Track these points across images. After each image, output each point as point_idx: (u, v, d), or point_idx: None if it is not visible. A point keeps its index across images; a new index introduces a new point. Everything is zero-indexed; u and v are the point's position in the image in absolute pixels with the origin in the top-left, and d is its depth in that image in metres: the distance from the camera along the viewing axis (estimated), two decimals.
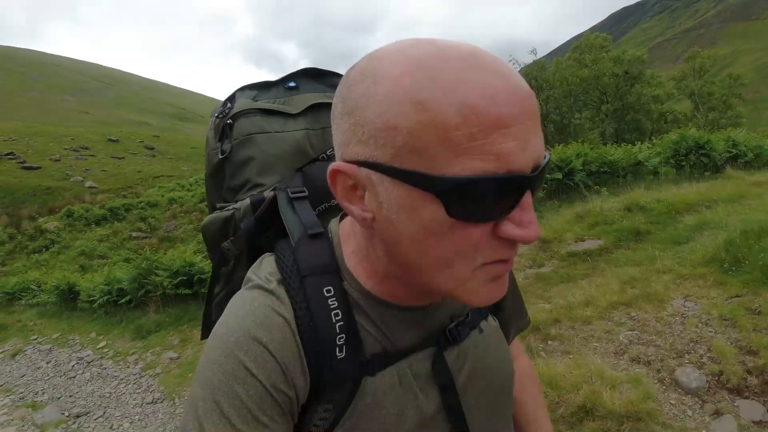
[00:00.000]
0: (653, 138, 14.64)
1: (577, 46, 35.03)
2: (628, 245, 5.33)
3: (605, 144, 15.88)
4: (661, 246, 4.99)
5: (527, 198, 0.48)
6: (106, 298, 7.92)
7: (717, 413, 2.71)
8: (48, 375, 6.08)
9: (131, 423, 4.46)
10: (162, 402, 4.77)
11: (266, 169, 0.81)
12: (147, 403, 4.78)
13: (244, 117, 0.84)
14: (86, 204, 22.74)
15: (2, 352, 7.34)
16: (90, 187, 26.27)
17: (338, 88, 0.54)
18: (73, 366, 6.20)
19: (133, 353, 6.18)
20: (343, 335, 0.58)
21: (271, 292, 0.59)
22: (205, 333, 0.87)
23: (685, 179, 8.74)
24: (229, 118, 0.85)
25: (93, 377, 5.73)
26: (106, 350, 6.54)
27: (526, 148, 0.45)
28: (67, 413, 4.85)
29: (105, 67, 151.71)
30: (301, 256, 0.62)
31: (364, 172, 0.50)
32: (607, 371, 2.98)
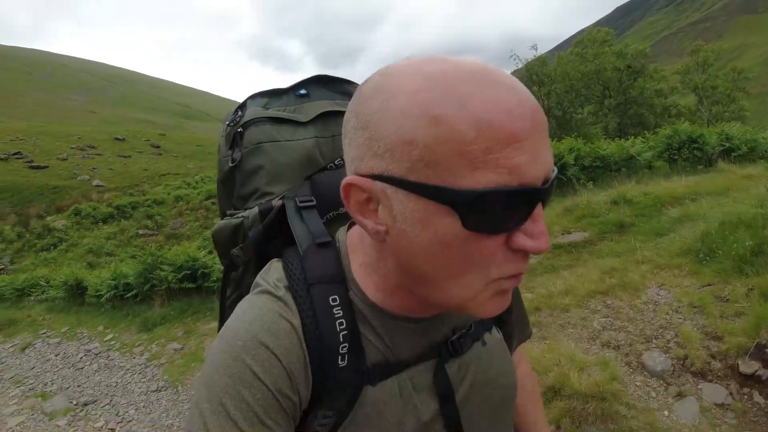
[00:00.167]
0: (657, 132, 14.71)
1: (579, 40, 34.91)
2: (611, 237, 5.51)
3: (611, 139, 15.93)
4: (643, 238, 5.16)
5: (539, 210, 0.50)
6: (112, 292, 8.09)
7: (680, 395, 2.86)
8: (57, 367, 6.26)
9: (136, 410, 4.66)
10: (166, 390, 4.97)
11: (275, 177, 0.82)
12: (151, 391, 4.98)
13: (254, 125, 0.85)
14: (93, 202, 22.95)
15: (13, 345, 7.51)
16: (97, 186, 26.46)
17: (351, 103, 0.56)
18: (81, 358, 6.38)
19: (139, 345, 6.37)
20: (346, 344, 0.59)
21: (279, 298, 0.60)
22: None
23: (678, 173, 8.83)
24: (239, 126, 0.86)
25: (100, 368, 5.93)
26: (113, 342, 6.73)
27: (537, 162, 0.47)
28: (75, 402, 5.05)
29: (110, 66, 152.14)
30: (308, 264, 0.64)
31: (378, 185, 0.51)
32: (578, 355, 3.16)
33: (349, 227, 0.70)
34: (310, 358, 0.57)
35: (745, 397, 2.78)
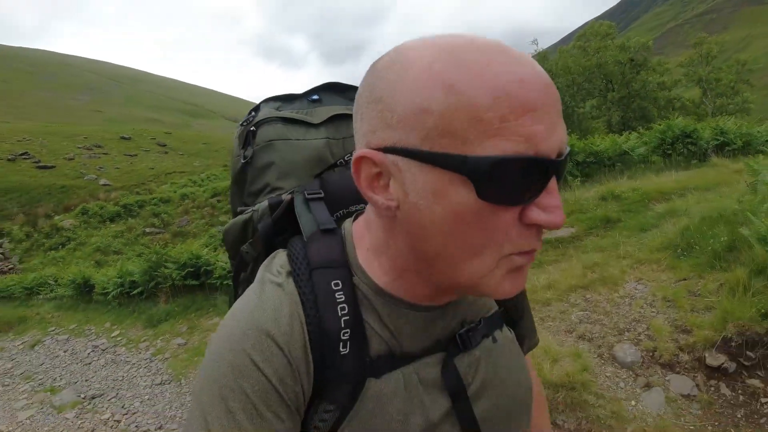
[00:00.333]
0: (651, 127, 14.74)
1: (582, 34, 34.81)
2: (597, 233, 5.64)
3: (616, 132, 15.95)
4: (628, 233, 5.30)
5: (553, 183, 0.49)
6: (119, 290, 8.26)
7: (648, 386, 3.00)
8: (65, 362, 6.44)
9: (141, 402, 4.85)
10: (170, 383, 5.15)
11: (286, 173, 0.82)
12: (156, 385, 5.17)
13: (267, 124, 0.86)
14: (100, 201, 23.06)
15: (22, 343, 7.70)
16: (104, 185, 26.60)
17: (363, 79, 0.55)
18: (88, 353, 6.56)
19: (145, 340, 6.55)
20: (348, 330, 0.57)
21: (279, 284, 0.59)
22: None
23: (672, 168, 8.88)
24: (252, 125, 0.87)
25: (107, 363, 6.12)
26: (119, 338, 6.92)
27: (553, 133, 0.47)
28: (83, 395, 5.24)
29: (115, 65, 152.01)
30: (312, 250, 0.63)
31: (390, 158, 0.51)
32: (553, 347, 3.33)
33: (355, 218, 0.69)
34: (311, 344, 0.56)
35: (712, 389, 2.89)
